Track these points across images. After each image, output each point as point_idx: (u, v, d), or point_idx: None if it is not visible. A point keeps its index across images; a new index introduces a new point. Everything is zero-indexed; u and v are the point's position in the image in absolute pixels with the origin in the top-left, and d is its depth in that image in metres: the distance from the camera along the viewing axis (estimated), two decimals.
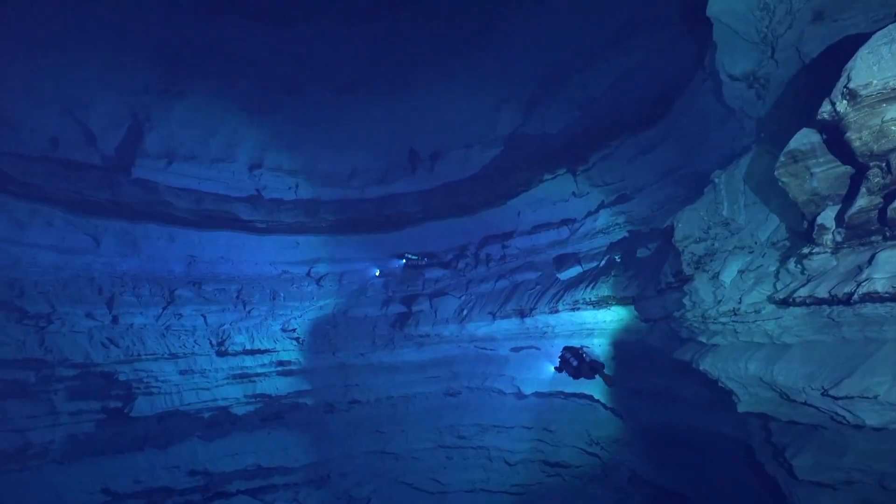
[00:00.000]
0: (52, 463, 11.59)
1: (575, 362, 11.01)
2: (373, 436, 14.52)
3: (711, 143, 9.40)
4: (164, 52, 11.59)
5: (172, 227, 12.82)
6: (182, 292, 13.19)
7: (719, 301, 7.22)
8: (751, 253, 7.10)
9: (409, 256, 14.60)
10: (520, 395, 14.00)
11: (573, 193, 12.32)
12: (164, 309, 12.97)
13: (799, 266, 5.84)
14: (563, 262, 12.65)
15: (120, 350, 12.32)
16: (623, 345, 11.43)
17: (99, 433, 12.21)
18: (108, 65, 11.24)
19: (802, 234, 6.03)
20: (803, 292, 5.56)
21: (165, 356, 12.89)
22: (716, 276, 7.34)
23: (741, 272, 7.03)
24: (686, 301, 7.77)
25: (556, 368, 11.54)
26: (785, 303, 5.90)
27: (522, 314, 12.93)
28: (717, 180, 7.57)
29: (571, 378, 11.26)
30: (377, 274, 15.13)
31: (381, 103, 12.92)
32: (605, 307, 11.12)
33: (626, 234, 11.43)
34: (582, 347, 11.36)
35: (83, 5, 10.47)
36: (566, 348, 11.44)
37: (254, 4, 11.57)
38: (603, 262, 11.68)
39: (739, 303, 6.78)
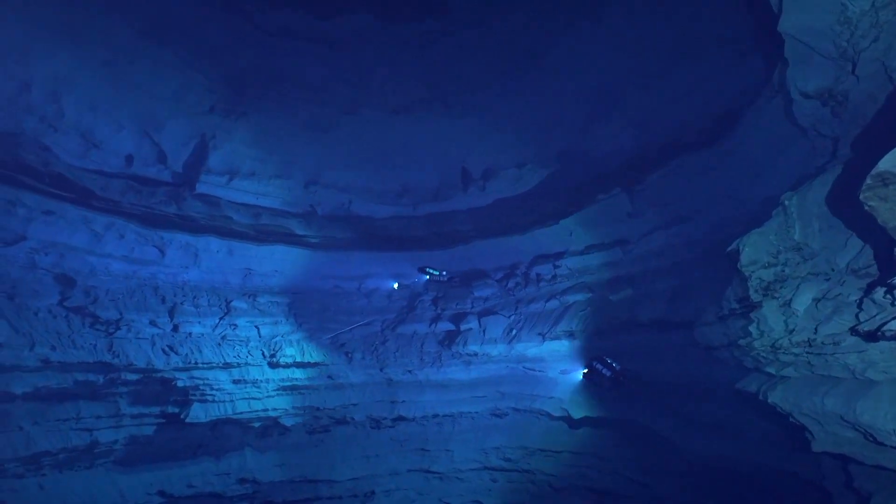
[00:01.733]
0: (115, 462, 12.13)
1: (607, 371, 11.09)
2: (418, 454, 14.40)
3: (779, 164, 8.96)
4: (230, 76, 12.27)
5: (231, 240, 13.35)
6: (237, 303, 13.64)
7: (791, 330, 6.78)
8: (827, 280, 6.64)
9: (431, 272, 14.53)
10: (568, 420, 13.59)
11: (628, 214, 11.99)
12: (220, 319, 13.43)
13: (889, 297, 5.40)
14: (615, 283, 12.30)
15: (179, 357, 12.82)
16: (675, 369, 10.93)
17: (157, 437, 12.70)
18: (179, 88, 12.00)
19: (892, 261, 5.59)
20: (895, 325, 5.12)
21: (220, 365, 13.30)
22: (787, 303, 6.91)
23: (816, 300, 6.58)
24: (753, 329, 7.35)
25: (584, 374, 11.86)
26: (871, 336, 5.45)
27: (573, 336, 12.61)
28: (787, 202, 7.17)
29: (600, 386, 11.53)
30: (395, 287, 15.21)
31: (434, 123, 13.10)
32: (659, 331, 10.69)
33: (684, 257, 10.99)
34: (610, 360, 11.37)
35: (162, 37, 11.27)
36: (595, 357, 11.54)
37: (313, 30, 12.08)
38: (657, 284, 11.27)
39: (815, 333, 6.34)
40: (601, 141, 12.10)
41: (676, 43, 10.29)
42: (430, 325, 14.60)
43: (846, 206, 6.24)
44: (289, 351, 14.05)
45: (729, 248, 7.83)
